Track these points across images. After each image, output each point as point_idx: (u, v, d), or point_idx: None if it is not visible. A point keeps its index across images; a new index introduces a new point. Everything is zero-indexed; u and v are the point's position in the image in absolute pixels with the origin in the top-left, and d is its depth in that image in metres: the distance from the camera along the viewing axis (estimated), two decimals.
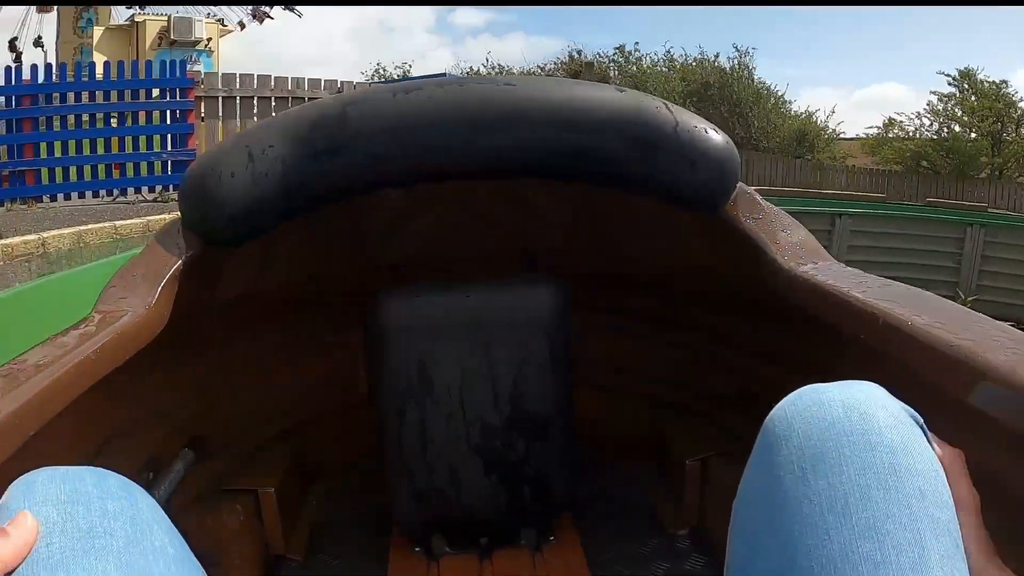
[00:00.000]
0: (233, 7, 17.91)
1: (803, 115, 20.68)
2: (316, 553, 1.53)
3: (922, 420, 0.58)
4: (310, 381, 1.73)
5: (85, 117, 8.15)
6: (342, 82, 9.22)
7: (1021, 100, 18.09)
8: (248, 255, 1.38)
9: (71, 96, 8.00)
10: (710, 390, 1.64)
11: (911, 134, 19.45)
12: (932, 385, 0.75)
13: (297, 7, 18.38)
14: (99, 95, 8.08)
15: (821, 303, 1.01)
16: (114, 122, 8.17)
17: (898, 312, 0.85)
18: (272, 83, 8.84)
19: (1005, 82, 18.28)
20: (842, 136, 21.14)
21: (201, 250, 1.20)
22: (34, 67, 7.96)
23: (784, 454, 0.57)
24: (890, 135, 19.74)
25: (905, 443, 0.55)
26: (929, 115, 19.15)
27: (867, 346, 0.90)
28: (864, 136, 20.72)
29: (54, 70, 7.99)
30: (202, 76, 8.65)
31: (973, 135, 18.61)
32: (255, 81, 8.80)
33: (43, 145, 7.94)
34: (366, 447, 1.56)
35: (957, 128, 18.83)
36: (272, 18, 18.22)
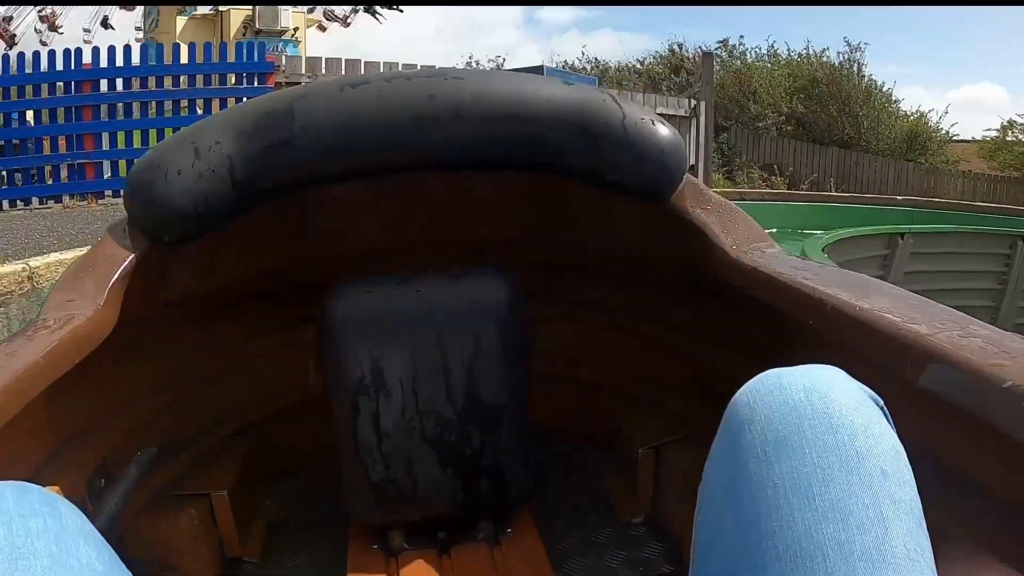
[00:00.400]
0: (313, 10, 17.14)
1: (914, 115, 18.87)
2: (274, 554, 1.51)
3: (882, 403, 0.60)
4: (264, 379, 1.70)
5: (152, 105, 7.20)
6: (439, 68, 8.06)
7: None
8: (197, 252, 1.37)
9: (136, 82, 7.06)
10: (664, 379, 1.64)
11: None
12: (883, 368, 0.77)
13: (379, 10, 17.56)
14: (167, 81, 7.13)
15: (770, 291, 1.04)
16: (195, 109, 7.20)
17: (845, 297, 0.88)
18: (362, 69, 7.77)
19: None
20: (955, 138, 19.33)
21: (149, 249, 1.20)
22: (95, 50, 7.04)
23: (747, 438, 0.58)
24: (1008, 138, 17.75)
25: (866, 425, 0.57)
26: None
27: (817, 332, 0.93)
28: (976, 139, 18.70)
29: (118, 53, 7.03)
30: (283, 61, 7.60)
31: None
32: (343, 67, 7.73)
33: (105, 136, 7.02)
34: (322, 445, 1.52)
35: None
36: (348, 25, 17.35)
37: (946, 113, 29.68)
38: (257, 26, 15.49)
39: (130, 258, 1.16)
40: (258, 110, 1.21)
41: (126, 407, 1.33)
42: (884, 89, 18.50)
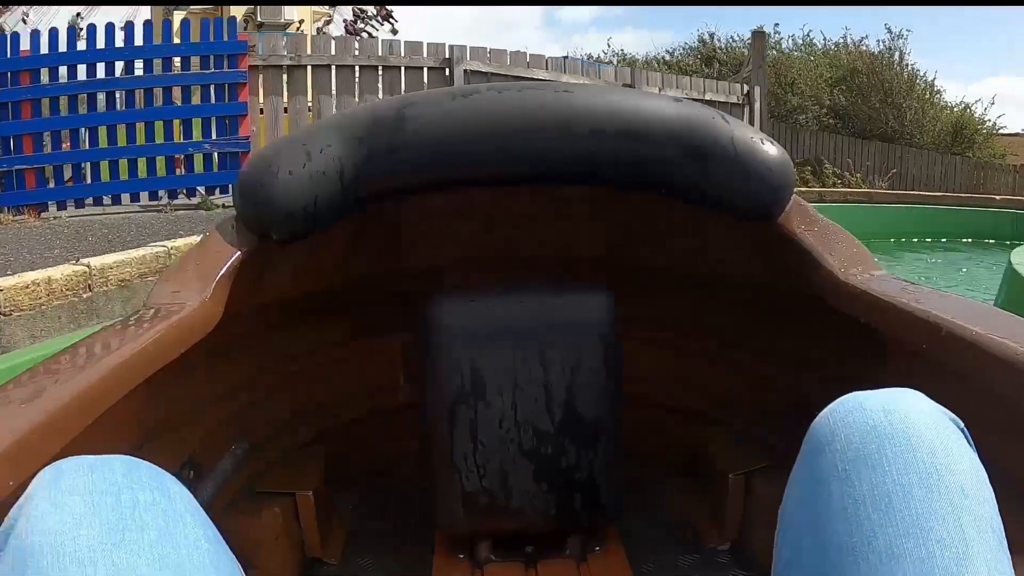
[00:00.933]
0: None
1: (958, 106, 17.52)
2: (353, 558, 1.52)
3: (963, 425, 0.60)
4: (349, 384, 1.73)
5: (101, 97, 5.99)
6: (451, 46, 6.83)
7: None
8: (297, 254, 1.39)
9: (81, 71, 5.88)
10: (752, 404, 1.61)
11: None
12: (994, 396, 0.78)
13: (394, 18, 16.64)
14: (119, 67, 5.95)
15: (876, 314, 1.03)
16: (152, 99, 6.02)
17: (960, 322, 0.88)
18: (356, 48, 6.56)
19: None
20: (1001, 131, 17.98)
21: (255, 247, 1.22)
22: (34, 34, 5.88)
23: (827, 458, 0.58)
24: None
25: (946, 445, 0.57)
26: None
27: (929, 357, 0.92)
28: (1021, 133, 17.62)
29: (61, 36, 5.84)
30: (258, 41, 6.34)
31: None
32: (332, 46, 6.52)
33: (47, 136, 5.85)
34: (406, 451, 1.61)
35: None
36: (356, 33, 16.27)
37: (992, 104, 28.27)
38: (259, 19, 14.43)
39: (236, 255, 1.19)
40: (369, 115, 1.23)
41: (217, 402, 1.36)
42: (928, 79, 17.36)
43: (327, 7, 16.39)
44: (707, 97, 9.35)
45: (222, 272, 1.15)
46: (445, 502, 1.41)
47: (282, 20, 14.54)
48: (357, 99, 6.44)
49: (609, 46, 23.55)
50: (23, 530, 0.50)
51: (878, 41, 17.42)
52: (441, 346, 1.36)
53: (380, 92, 6.41)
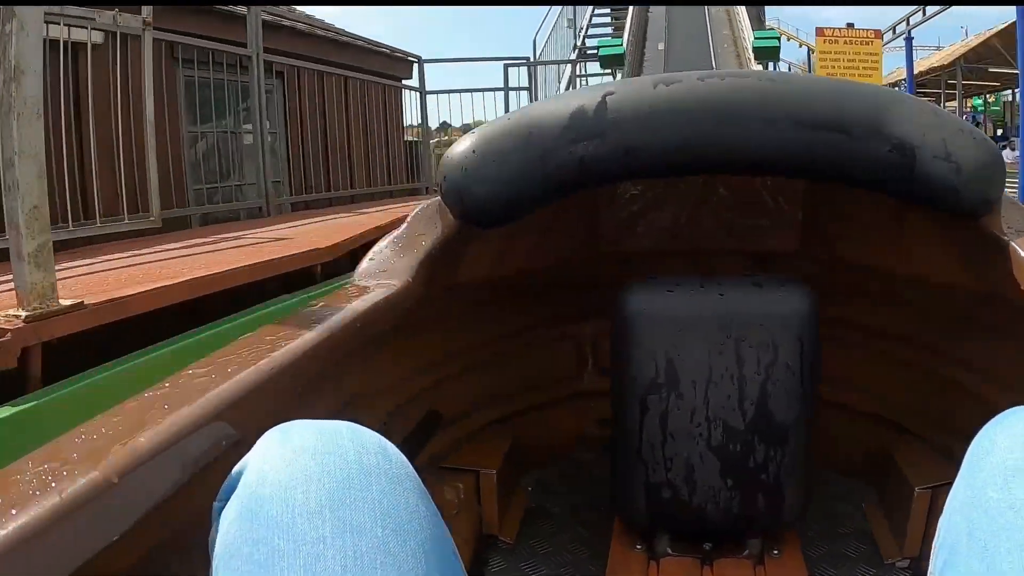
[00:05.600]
0: None
1: None
2: (529, 538, 1.54)
3: None
4: (536, 369, 1.76)
5: None
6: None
7: None
8: (491, 241, 1.43)
9: None
10: (941, 415, 1.53)
11: None
12: None
13: None
14: None
15: None
16: None
17: None
18: None
19: None
20: None
21: (457, 231, 1.27)
22: None
23: (986, 468, 0.57)
24: None
25: None
26: None
27: None
28: None
29: None
30: None
31: None
32: None
33: None
34: (588, 439, 1.63)
35: None
36: None
37: None
38: None
39: (439, 238, 1.26)
40: (572, 104, 1.21)
41: (410, 377, 1.40)
42: None
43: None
44: None
45: (425, 254, 1.21)
46: (628, 491, 1.41)
47: None
48: None
49: None
50: (253, 481, 0.54)
51: None
52: (637, 334, 1.36)
53: None
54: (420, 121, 7.86)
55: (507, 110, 7.49)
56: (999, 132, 22.23)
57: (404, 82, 8.40)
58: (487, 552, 1.48)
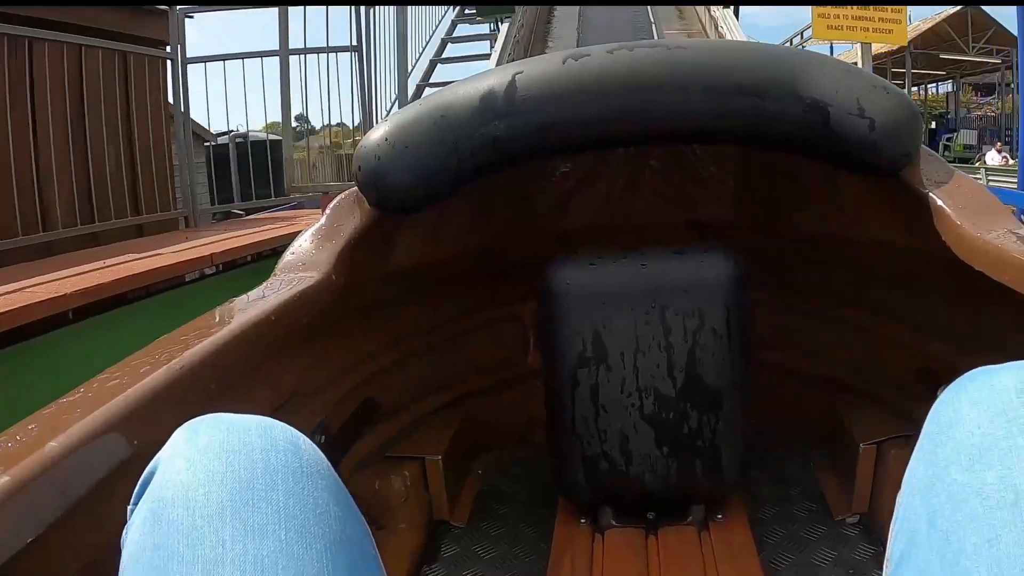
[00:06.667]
0: None
1: None
2: (480, 521, 1.55)
3: None
4: (478, 353, 1.76)
5: None
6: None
7: None
8: (420, 226, 1.44)
9: None
10: (884, 371, 1.58)
11: None
12: None
13: None
14: None
15: (1014, 274, 0.95)
16: None
17: None
18: None
19: None
20: None
21: (376, 220, 1.26)
22: None
23: (950, 444, 0.52)
24: None
25: None
26: None
27: None
28: None
29: None
30: None
31: None
32: None
33: None
34: (531, 421, 1.60)
35: None
36: None
37: None
38: None
39: (359, 228, 1.24)
40: (482, 84, 1.22)
41: (351, 368, 1.41)
42: None
43: None
44: None
45: (344, 244, 1.20)
46: (567, 467, 1.43)
47: None
48: None
49: None
50: (159, 482, 0.53)
51: None
52: (562, 310, 1.38)
53: None
54: (175, 104, 4.88)
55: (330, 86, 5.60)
56: (933, 125, 22.09)
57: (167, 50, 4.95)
58: (438, 537, 1.49)
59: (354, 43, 5.60)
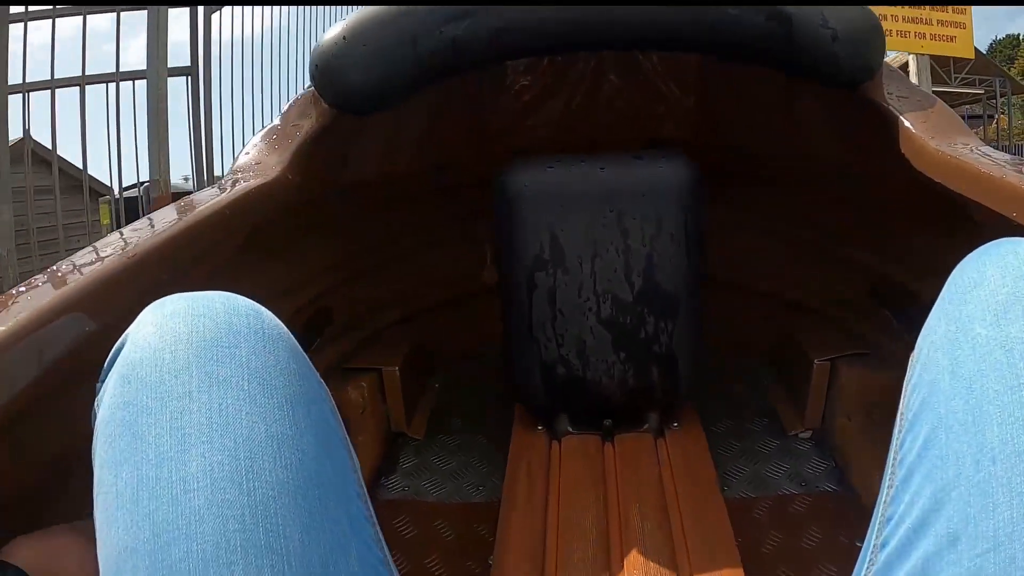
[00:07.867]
0: None
1: None
2: (437, 433, 1.56)
3: None
4: (434, 269, 1.77)
5: None
6: None
7: None
8: (375, 133, 1.43)
9: None
10: (840, 292, 1.58)
11: None
12: None
13: None
14: None
15: (974, 186, 0.93)
16: None
17: None
18: None
19: None
20: None
21: (332, 121, 1.24)
22: None
23: (973, 302, 0.52)
24: None
25: None
26: None
27: None
28: None
29: None
30: None
31: None
32: None
33: None
34: (487, 336, 1.61)
35: None
36: None
37: None
38: None
39: (314, 128, 1.22)
40: None
41: (308, 281, 1.40)
42: None
43: None
44: None
45: (299, 144, 1.19)
46: (524, 373, 1.42)
47: None
48: None
49: None
50: (129, 348, 0.55)
51: None
52: (520, 212, 1.36)
53: None
54: None
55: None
56: None
57: None
58: (397, 449, 1.51)
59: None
